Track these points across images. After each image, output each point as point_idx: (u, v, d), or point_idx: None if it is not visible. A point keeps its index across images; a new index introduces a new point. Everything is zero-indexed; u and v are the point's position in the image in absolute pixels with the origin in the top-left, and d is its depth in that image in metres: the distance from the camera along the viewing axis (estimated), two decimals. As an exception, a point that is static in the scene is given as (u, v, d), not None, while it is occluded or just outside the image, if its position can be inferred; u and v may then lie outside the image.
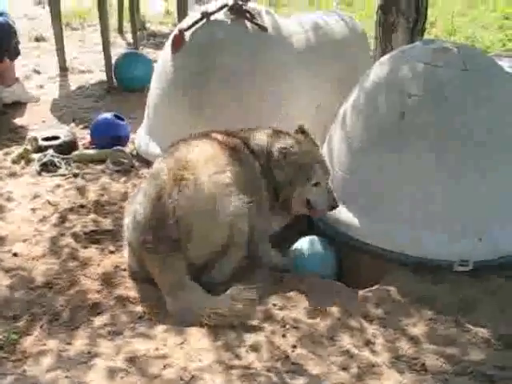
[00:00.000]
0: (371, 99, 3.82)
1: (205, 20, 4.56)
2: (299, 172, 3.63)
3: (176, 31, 4.66)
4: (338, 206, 3.68)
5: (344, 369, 2.83)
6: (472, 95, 3.64)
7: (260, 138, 3.74)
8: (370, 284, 3.48)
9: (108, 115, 5.21)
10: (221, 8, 4.58)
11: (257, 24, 4.50)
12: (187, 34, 4.57)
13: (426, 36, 5.88)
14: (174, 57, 4.61)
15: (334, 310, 3.21)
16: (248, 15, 4.52)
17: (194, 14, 4.76)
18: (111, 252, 3.68)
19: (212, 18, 4.56)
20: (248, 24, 4.51)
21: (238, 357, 2.84)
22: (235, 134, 3.76)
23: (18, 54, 6.19)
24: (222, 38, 4.51)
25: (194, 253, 3.34)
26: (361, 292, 3.39)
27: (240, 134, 3.77)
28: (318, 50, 4.76)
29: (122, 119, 5.22)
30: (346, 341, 3.00)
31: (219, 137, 3.68)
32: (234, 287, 3.22)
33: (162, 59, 4.83)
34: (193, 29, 4.56)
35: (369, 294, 3.36)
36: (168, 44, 4.74)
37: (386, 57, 4.03)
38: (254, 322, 3.10)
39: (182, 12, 6.92)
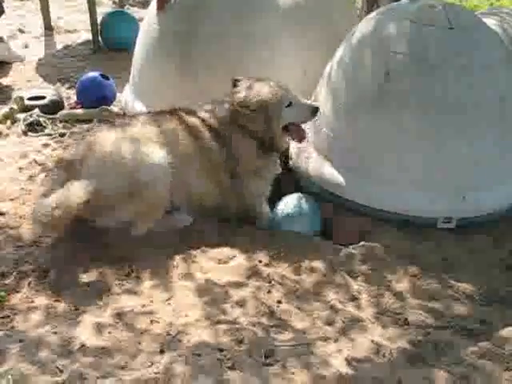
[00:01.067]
0: (356, 58, 3.83)
1: (190, -21, 4.51)
2: (267, 109, 3.63)
3: (161, -11, 4.62)
4: (317, 108, 3.69)
5: (329, 323, 2.87)
6: (456, 59, 3.64)
7: (221, 109, 3.75)
8: (354, 241, 3.52)
9: (94, 74, 5.19)
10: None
11: (242, -15, 4.46)
12: (173, -6, 4.53)
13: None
14: (159, 17, 4.57)
15: (319, 266, 3.25)
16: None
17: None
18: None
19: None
20: (234, -15, 4.48)
21: (223, 312, 2.88)
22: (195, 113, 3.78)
23: (2, 12, 6.13)
24: (208, 1, 4.47)
25: None
26: (346, 249, 3.43)
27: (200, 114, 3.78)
28: (303, 11, 4.71)
29: (108, 78, 5.20)
30: (330, 296, 3.04)
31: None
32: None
33: (147, 19, 4.79)
34: (177, -12, 4.52)
35: (354, 251, 3.40)
36: (153, 4, 4.70)
37: (372, 14, 4.03)
38: (240, 279, 3.14)
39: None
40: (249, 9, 4.46)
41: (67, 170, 3.40)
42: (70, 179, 3.32)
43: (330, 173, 3.79)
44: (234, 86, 3.74)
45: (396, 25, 3.71)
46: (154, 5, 4.66)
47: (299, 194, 3.87)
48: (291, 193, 3.90)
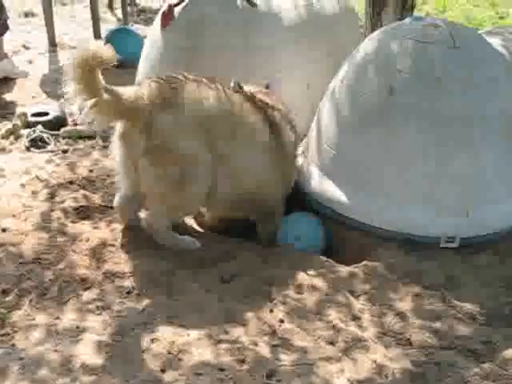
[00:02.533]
0: (360, 75, 3.82)
1: (194, -5, 4.54)
2: None
3: (165, 7, 4.64)
4: None
5: (331, 343, 2.86)
6: (460, 74, 3.64)
7: None
8: (357, 260, 3.51)
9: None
10: (210, -17, 4.55)
11: (247, 0, 4.48)
12: (176, 10, 4.54)
13: (417, 13, 5.87)
14: (163, 33, 4.59)
15: (322, 285, 3.24)
16: (238, -10, 4.50)
17: (183, -11, 4.73)
18: (100, 227, 3.67)
19: (202, -7, 4.54)
20: (238, 0, 4.49)
21: (225, 331, 2.87)
22: None
23: (6, 29, 6.15)
24: (212, 14, 4.48)
25: None
26: (348, 268, 3.41)
27: None
28: (308, 26, 4.73)
29: (112, 95, 5.20)
30: (333, 315, 3.03)
31: None
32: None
33: (151, 35, 4.81)
34: (182, 4, 4.53)
35: (356, 270, 3.38)
36: (157, 20, 4.72)
37: (376, 33, 4.03)
38: (242, 298, 3.12)
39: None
40: (253, 23, 4.49)
41: None
42: None
43: (333, 190, 3.77)
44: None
45: (400, 43, 3.71)
46: (158, 22, 4.68)
47: (302, 213, 3.86)
48: (294, 211, 3.90)
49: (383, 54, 3.78)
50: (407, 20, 4.00)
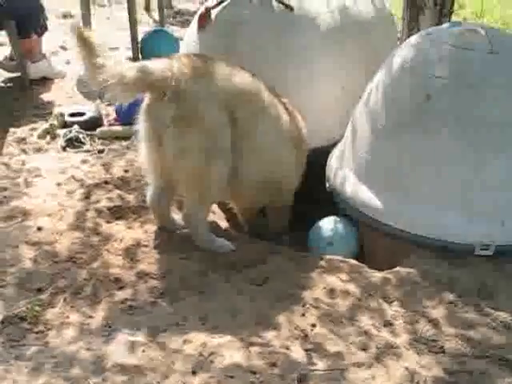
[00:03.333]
0: (396, 81, 3.80)
1: (232, -2, 4.55)
2: None
3: (202, 9, 4.66)
4: None
5: (363, 349, 2.84)
6: (498, 79, 3.61)
7: None
8: (390, 266, 3.49)
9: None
10: (248, -14, 4.56)
11: (283, 3, 4.47)
12: (213, 12, 4.56)
13: (454, 18, 5.83)
14: (199, 35, 4.62)
15: (354, 290, 3.23)
16: (275, -6, 4.51)
17: (221, -8, 4.75)
18: (134, 228, 3.70)
19: (239, -4, 4.55)
20: (274, 3, 4.49)
21: (256, 334, 2.87)
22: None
23: (45, 30, 6.22)
24: (248, 17, 4.49)
25: None
26: (381, 273, 3.39)
27: None
28: (343, 31, 4.71)
29: (147, 96, 5.23)
30: (365, 321, 3.01)
31: None
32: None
33: (188, 37, 4.84)
34: (219, 7, 4.55)
35: (389, 276, 3.36)
36: (194, 22, 4.74)
37: (412, 38, 4.00)
38: (274, 301, 3.12)
39: (209, -10, 6.90)
40: (288, 26, 4.47)
41: None
42: None
43: (368, 196, 3.76)
44: None
45: (436, 49, 3.69)
46: (195, 23, 4.70)
47: (335, 217, 3.86)
48: (328, 215, 3.89)
49: (420, 60, 3.75)
50: (444, 25, 3.97)
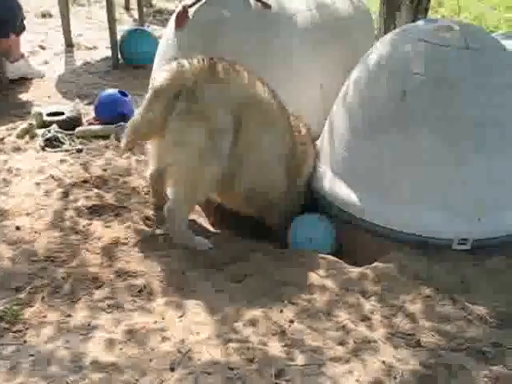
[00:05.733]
0: (372, 78, 3.82)
1: (209, -3, 4.55)
2: None
3: (180, 8, 4.65)
4: None
5: (340, 344, 2.85)
6: (474, 76, 3.63)
7: None
8: (368, 262, 3.50)
9: (112, 91, 5.22)
10: (225, -15, 4.56)
11: (261, 1, 4.48)
12: (191, 11, 4.56)
13: (432, 15, 5.86)
14: (177, 34, 4.61)
15: (332, 285, 3.25)
16: (252, -8, 4.51)
17: (199, -9, 4.74)
18: (113, 226, 3.69)
19: (216, -6, 4.55)
20: (252, 1, 4.49)
21: (235, 331, 2.88)
22: None
23: (23, 29, 6.19)
24: (226, 16, 4.49)
25: None
26: (359, 269, 3.41)
27: None
28: (322, 29, 4.72)
29: (127, 95, 5.23)
30: (342, 316, 3.03)
31: None
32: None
33: (166, 36, 4.82)
34: (196, 6, 4.55)
35: (367, 271, 3.38)
36: (172, 21, 4.73)
37: (388, 35, 4.02)
38: (252, 297, 3.14)
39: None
40: (266, 26, 4.48)
41: None
42: None
43: (345, 192, 3.77)
44: None
45: (412, 45, 3.70)
46: (172, 22, 4.69)
47: (315, 214, 3.87)
48: (306, 212, 3.91)
49: (395, 57, 3.77)
50: (420, 22, 3.99)
